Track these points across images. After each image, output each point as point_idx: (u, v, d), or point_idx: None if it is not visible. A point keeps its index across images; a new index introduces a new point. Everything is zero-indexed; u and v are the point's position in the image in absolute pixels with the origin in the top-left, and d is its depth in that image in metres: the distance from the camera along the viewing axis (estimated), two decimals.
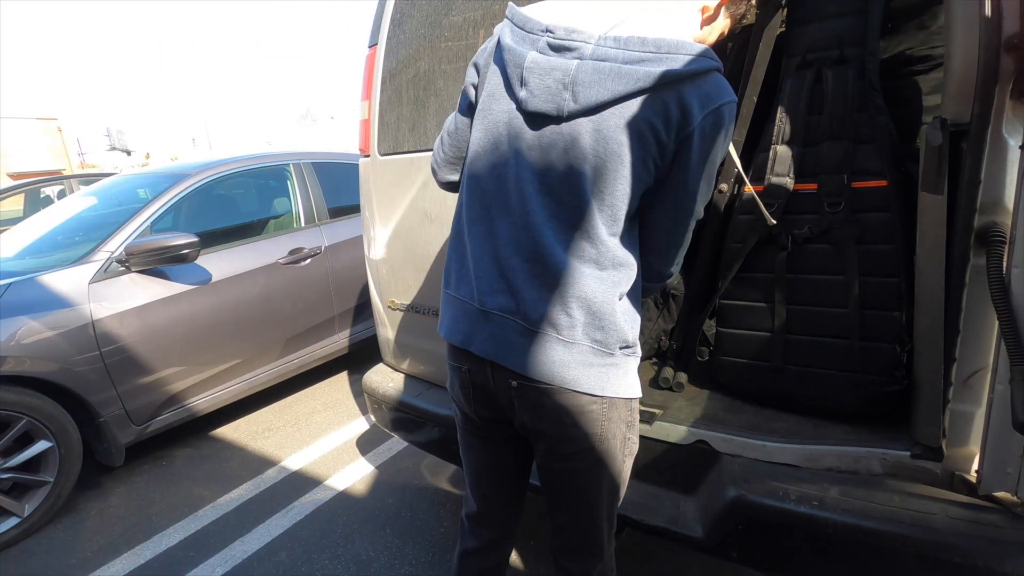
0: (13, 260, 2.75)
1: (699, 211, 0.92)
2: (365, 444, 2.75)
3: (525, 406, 0.95)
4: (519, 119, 0.88)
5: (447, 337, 1.01)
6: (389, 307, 1.95)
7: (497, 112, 0.91)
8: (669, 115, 0.80)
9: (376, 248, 1.96)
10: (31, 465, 2.22)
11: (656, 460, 1.47)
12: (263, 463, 2.65)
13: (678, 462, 1.45)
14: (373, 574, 1.87)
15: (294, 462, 2.63)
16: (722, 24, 0.95)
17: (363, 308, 3.53)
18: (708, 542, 1.29)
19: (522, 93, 0.86)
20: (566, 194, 0.86)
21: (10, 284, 2.26)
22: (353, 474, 2.49)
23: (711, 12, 0.92)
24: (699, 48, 0.81)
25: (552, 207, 0.87)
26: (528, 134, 0.87)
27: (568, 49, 0.84)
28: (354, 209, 3.52)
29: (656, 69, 0.79)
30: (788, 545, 1.21)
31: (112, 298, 2.43)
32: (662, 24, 0.86)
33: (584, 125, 0.83)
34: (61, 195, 6.89)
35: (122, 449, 2.47)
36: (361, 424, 2.97)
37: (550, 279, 0.88)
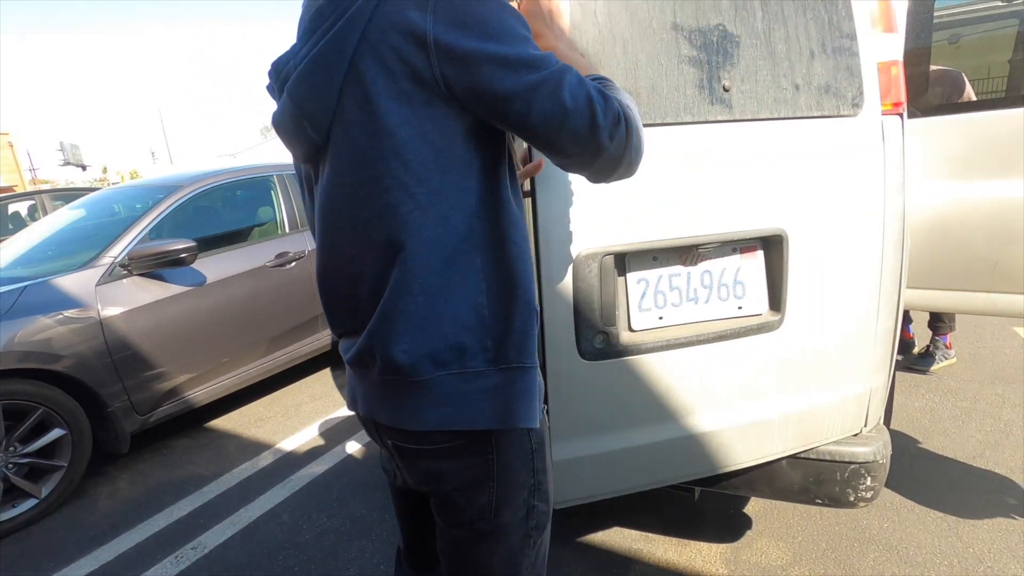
0: (19, 267, 2.96)
1: None
2: (353, 427, 3.03)
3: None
4: None
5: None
6: None
7: None
8: None
9: None
10: (46, 451, 2.44)
11: None
12: (259, 447, 2.90)
13: None
14: (367, 527, 2.16)
15: (288, 445, 2.90)
16: None
17: None
18: None
19: None
20: None
21: (26, 286, 2.49)
22: (343, 451, 2.77)
23: None
24: None
25: None
26: None
27: (283, 89, 0.81)
28: None
29: None
30: None
31: (117, 299, 2.66)
32: None
33: None
34: (32, 211, 6.92)
35: (128, 437, 2.70)
36: (345, 412, 3.26)
37: None
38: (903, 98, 1.32)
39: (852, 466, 1.42)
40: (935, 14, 2.74)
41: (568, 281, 1.19)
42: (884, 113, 1.29)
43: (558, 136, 0.70)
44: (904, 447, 2.41)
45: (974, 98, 2.90)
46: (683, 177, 1.21)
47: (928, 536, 1.87)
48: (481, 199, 0.75)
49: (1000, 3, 3.10)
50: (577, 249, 1.19)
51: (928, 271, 2.70)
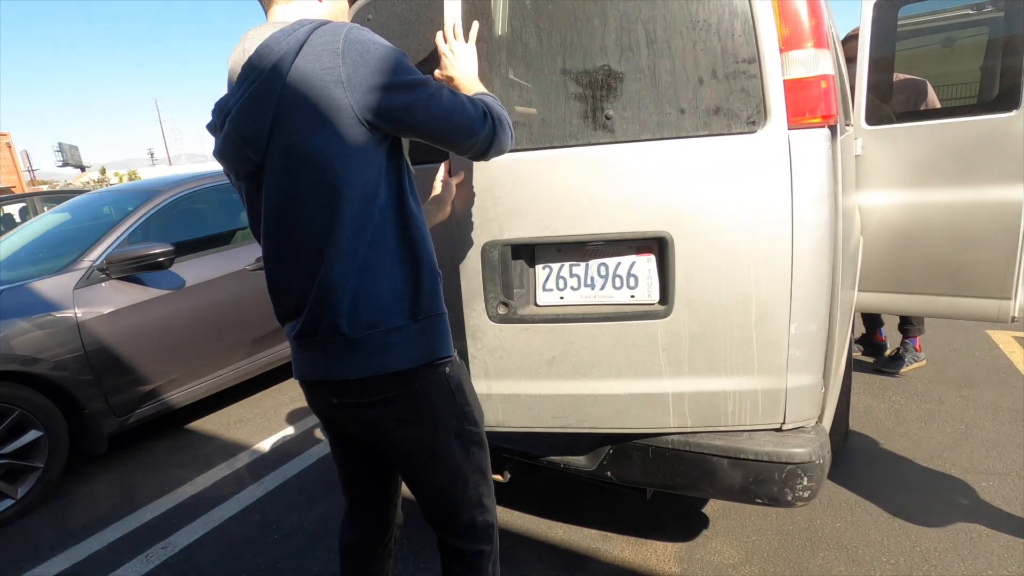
0: (1, 270, 3.00)
1: None
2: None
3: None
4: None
5: None
6: None
7: None
8: None
9: None
10: (23, 452, 2.48)
11: None
12: (236, 448, 2.95)
13: None
14: (334, 527, 2.21)
15: (265, 445, 2.94)
16: None
17: None
18: (590, 467, 1.69)
19: None
20: None
21: (2, 291, 2.53)
22: (316, 453, 2.81)
23: None
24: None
25: None
26: None
27: (224, 124, 1.01)
28: None
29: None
30: (645, 460, 1.61)
31: (95, 302, 2.71)
32: (267, 31, 0.97)
33: None
34: (23, 212, 6.96)
35: (105, 439, 2.74)
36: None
37: None
38: (833, 111, 1.37)
39: (789, 466, 1.46)
40: (899, 23, 2.80)
41: (478, 262, 1.55)
42: (795, 127, 1.34)
43: (446, 130, 1.00)
44: (865, 448, 2.45)
45: (938, 105, 2.95)
46: (577, 186, 1.47)
47: (878, 535, 1.91)
48: (389, 195, 1.00)
49: (970, 12, 3.15)
50: (483, 239, 1.54)
51: (891, 275, 2.75)
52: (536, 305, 1.62)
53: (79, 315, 2.64)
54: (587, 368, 1.56)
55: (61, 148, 34.34)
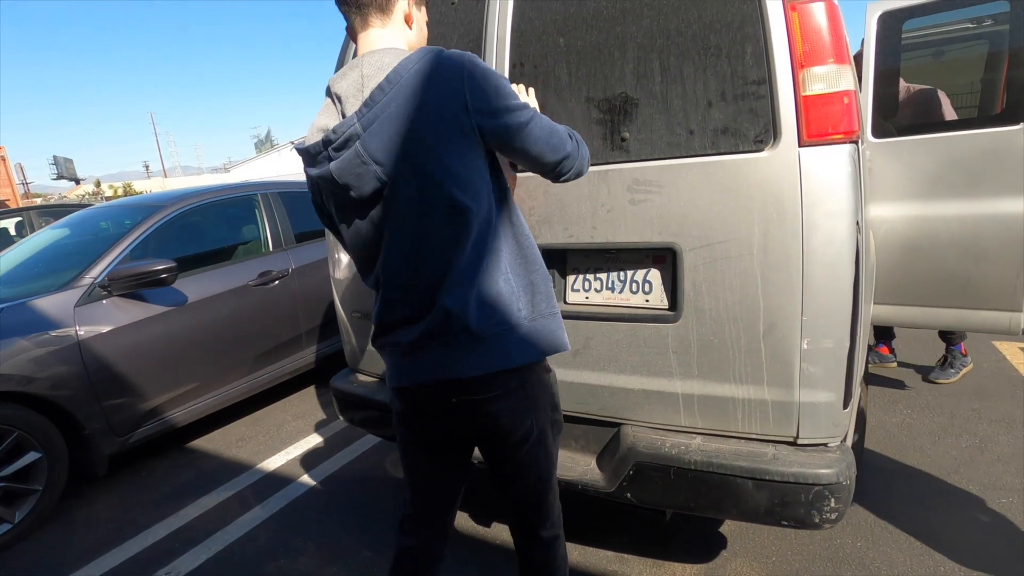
0: (0, 287, 2.95)
1: None
2: (333, 447, 3.02)
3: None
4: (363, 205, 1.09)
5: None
6: (353, 316, 2.27)
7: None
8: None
9: (340, 268, 2.28)
10: (21, 475, 2.42)
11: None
12: (239, 467, 2.89)
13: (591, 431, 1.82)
14: (340, 550, 2.15)
15: (269, 465, 2.89)
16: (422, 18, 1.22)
17: (329, 326, 3.81)
18: (609, 487, 1.65)
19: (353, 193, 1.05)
20: None
21: (1, 309, 2.48)
22: (322, 472, 2.76)
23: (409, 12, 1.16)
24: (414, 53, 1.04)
25: None
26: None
27: (345, 146, 1.02)
28: (319, 234, 3.83)
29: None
30: (666, 481, 1.58)
31: (96, 320, 2.66)
32: (387, 58, 1.05)
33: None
34: (19, 227, 6.90)
35: (105, 459, 2.68)
36: (329, 431, 3.24)
37: None
38: (855, 126, 1.36)
39: (816, 488, 1.43)
40: (903, 36, 2.81)
41: None
42: (815, 144, 1.35)
43: (545, 148, 1.11)
44: (880, 465, 2.42)
45: (954, 116, 2.95)
46: (597, 200, 1.61)
47: (900, 555, 1.88)
48: (501, 208, 1.11)
49: (970, 25, 3.17)
50: None
51: (899, 287, 2.74)
52: (566, 303, 1.77)
53: (80, 333, 2.59)
54: (606, 362, 1.69)
55: (56, 161, 34.25)
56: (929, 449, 2.52)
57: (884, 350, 3.49)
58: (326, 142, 1.04)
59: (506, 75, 1.72)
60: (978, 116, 2.64)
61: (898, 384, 3.20)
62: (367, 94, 1.02)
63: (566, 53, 1.63)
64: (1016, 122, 2.48)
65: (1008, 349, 3.57)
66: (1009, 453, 2.43)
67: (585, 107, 1.61)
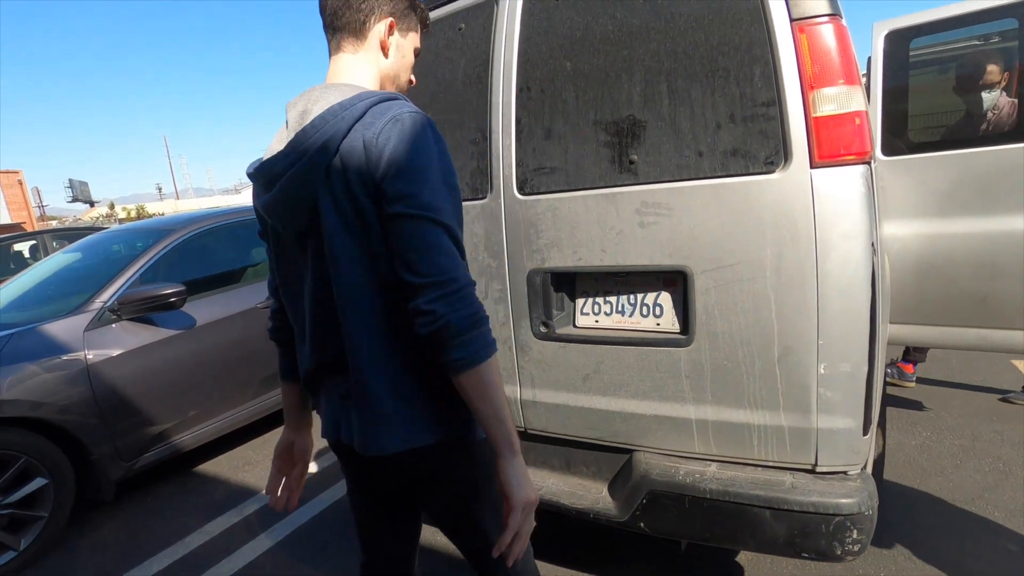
0: (12, 311, 2.97)
1: None
2: (339, 473, 2.98)
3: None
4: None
5: None
6: None
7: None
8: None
9: None
10: (27, 501, 2.40)
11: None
12: (245, 492, 2.85)
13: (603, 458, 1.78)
14: None
15: None
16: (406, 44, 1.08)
17: None
18: (622, 516, 1.61)
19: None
20: None
21: (13, 334, 2.49)
22: (329, 497, 2.72)
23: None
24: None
25: None
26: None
27: (272, 185, 0.95)
28: None
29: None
30: (681, 510, 1.53)
31: (105, 344, 2.67)
32: (332, 95, 0.94)
33: None
34: (34, 250, 7.00)
35: (112, 485, 2.66)
36: (334, 456, 3.20)
37: None
38: (867, 147, 1.34)
39: (837, 518, 1.38)
40: (911, 54, 2.80)
41: (524, 286, 1.74)
42: (828, 165, 1.33)
43: (417, 264, 0.88)
44: (901, 490, 2.35)
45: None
46: (606, 223, 1.59)
47: None
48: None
49: (977, 42, 3.15)
50: (529, 266, 1.73)
51: (914, 306, 2.68)
52: (575, 327, 1.76)
53: (89, 358, 2.59)
54: (616, 387, 1.66)
55: (71, 184, 34.94)
56: (951, 473, 2.45)
57: (908, 368, 3.40)
58: (256, 176, 0.99)
59: (513, 99, 1.71)
60: (991, 132, 2.61)
61: (916, 405, 3.12)
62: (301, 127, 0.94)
63: (573, 76, 1.63)
64: None
65: None
66: None
67: (593, 130, 1.60)
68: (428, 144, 0.89)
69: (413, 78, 1.13)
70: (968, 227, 2.56)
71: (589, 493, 1.74)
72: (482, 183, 1.79)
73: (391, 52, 1.05)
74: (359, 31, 1.01)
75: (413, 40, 1.09)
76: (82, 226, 8.83)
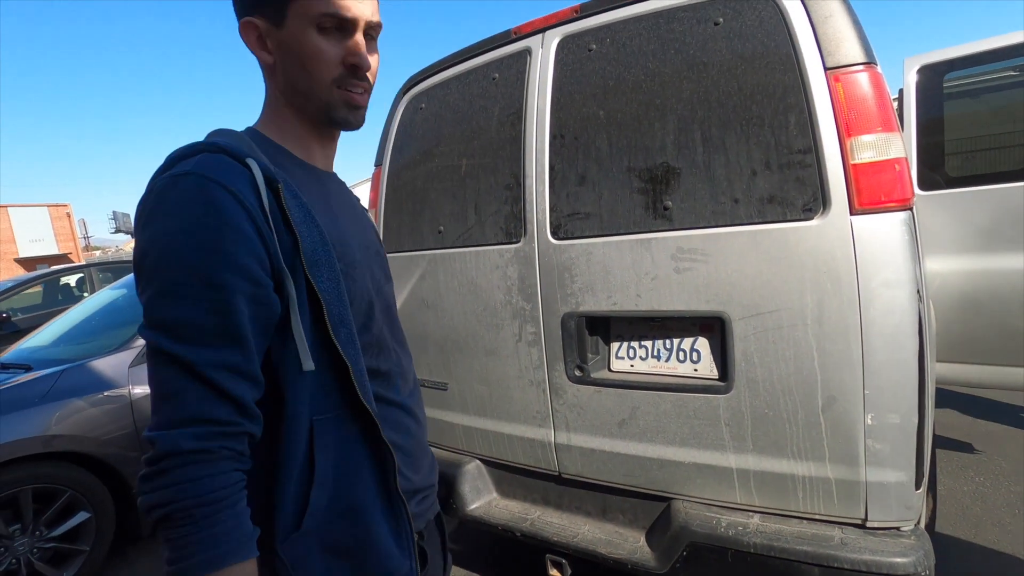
0: (61, 345, 3.10)
1: None
2: None
3: None
4: None
5: None
6: None
7: None
8: None
9: None
10: (70, 535, 2.46)
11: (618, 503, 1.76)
12: None
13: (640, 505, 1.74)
14: None
15: None
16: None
17: None
18: (661, 568, 1.56)
19: None
20: None
21: (63, 370, 2.59)
22: None
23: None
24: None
25: None
26: None
27: None
28: None
29: None
30: (723, 564, 1.49)
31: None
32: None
33: None
34: (80, 283, 7.31)
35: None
36: None
37: None
38: (908, 194, 1.32)
39: None
40: (945, 85, 2.77)
41: (559, 329, 1.74)
42: (869, 212, 1.32)
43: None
44: (954, 542, 2.23)
45: None
46: (640, 268, 1.59)
47: None
48: None
49: (1013, 72, 3.11)
50: (563, 310, 1.73)
51: (960, 345, 2.59)
52: (610, 371, 1.75)
53: (133, 393, 2.67)
54: (653, 432, 1.63)
55: (115, 216, 36.56)
56: (1008, 523, 2.31)
57: None
58: None
59: (546, 145, 1.75)
60: None
61: (967, 447, 2.98)
62: None
63: (606, 124, 1.66)
64: None
65: None
66: None
67: (627, 176, 1.62)
68: (183, 222, 0.61)
69: (350, 57, 0.74)
70: (1014, 263, 2.48)
71: (626, 542, 1.70)
72: (516, 227, 1.82)
73: (277, 67, 0.76)
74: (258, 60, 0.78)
75: (300, 14, 0.71)
76: (125, 258, 9.20)
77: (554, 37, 1.80)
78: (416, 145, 2.18)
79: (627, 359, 1.73)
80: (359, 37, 0.74)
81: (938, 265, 2.62)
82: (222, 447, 0.63)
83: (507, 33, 1.93)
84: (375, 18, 0.75)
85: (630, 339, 1.74)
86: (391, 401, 0.83)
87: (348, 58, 0.74)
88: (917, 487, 1.38)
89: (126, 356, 2.76)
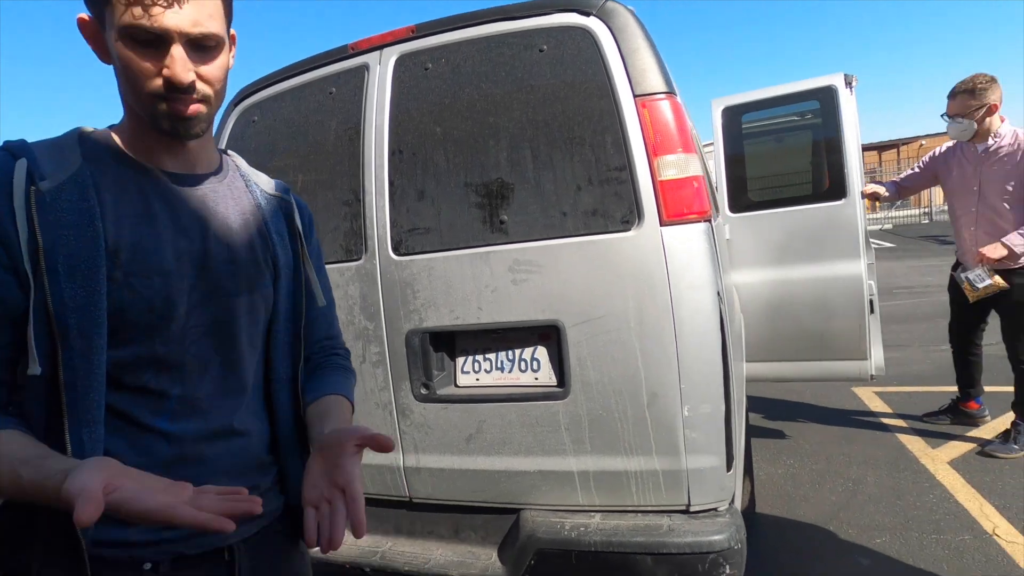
0: None
1: None
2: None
3: None
4: None
5: None
6: None
7: None
8: None
9: None
10: None
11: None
12: None
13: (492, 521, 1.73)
14: None
15: None
16: None
17: None
18: None
19: None
20: None
21: None
22: None
23: None
24: None
25: None
26: None
27: None
28: None
29: None
30: (568, 566, 1.52)
31: None
32: None
33: None
34: None
35: None
36: None
37: None
38: (706, 206, 1.50)
39: (711, 556, 1.43)
40: (744, 127, 3.25)
41: (403, 347, 1.70)
42: (672, 223, 1.48)
43: None
44: (774, 520, 2.52)
45: None
46: (480, 281, 1.62)
47: None
48: None
49: (795, 117, 3.73)
50: (407, 327, 1.70)
51: (767, 345, 3.00)
52: (456, 386, 1.75)
53: None
54: (500, 445, 1.65)
55: None
56: (812, 496, 2.68)
57: (972, 405, 3.24)
58: None
59: (385, 161, 1.73)
60: (812, 192, 3.07)
61: (779, 434, 3.42)
62: None
63: (443, 141, 1.68)
64: (839, 198, 2.91)
65: (864, 393, 3.98)
66: (877, 493, 2.64)
67: (464, 191, 1.65)
68: None
69: (165, 71, 0.68)
70: (804, 273, 2.93)
71: (479, 560, 1.67)
72: (356, 244, 1.75)
73: (108, 57, 0.72)
74: None
75: (112, 24, 0.67)
76: None
77: (392, 55, 1.80)
78: (248, 159, 2.01)
79: (472, 373, 1.74)
80: (175, 51, 0.68)
81: (748, 276, 3.02)
82: None
83: (344, 48, 1.89)
84: (195, 30, 0.68)
85: (474, 352, 1.74)
86: (148, 427, 0.72)
87: (164, 72, 0.68)
88: (728, 469, 1.53)
89: None
